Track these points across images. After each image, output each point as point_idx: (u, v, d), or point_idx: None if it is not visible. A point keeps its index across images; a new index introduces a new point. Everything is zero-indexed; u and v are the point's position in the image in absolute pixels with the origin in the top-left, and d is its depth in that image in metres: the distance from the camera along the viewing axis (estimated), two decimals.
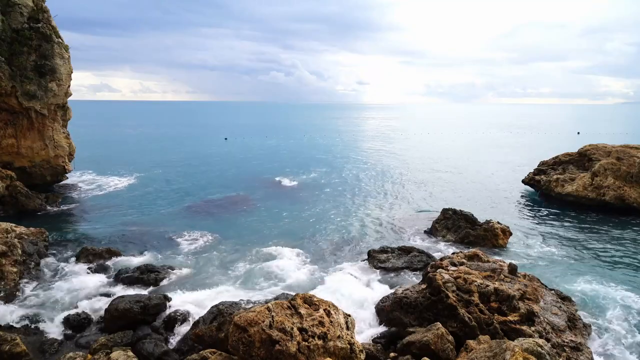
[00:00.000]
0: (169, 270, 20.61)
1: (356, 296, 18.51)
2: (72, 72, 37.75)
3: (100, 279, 20.05)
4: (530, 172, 44.63)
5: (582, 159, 40.51)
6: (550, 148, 66.27)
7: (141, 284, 19.24)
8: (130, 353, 13.12)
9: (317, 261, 23.01)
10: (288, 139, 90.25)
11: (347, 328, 12.65)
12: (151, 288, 19.03)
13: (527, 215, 32.25)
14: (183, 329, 15.68)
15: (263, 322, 11.55)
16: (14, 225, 21.97)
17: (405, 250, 22.63)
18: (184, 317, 16.16)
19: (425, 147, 78.76)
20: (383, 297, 17.44)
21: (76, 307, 17.33)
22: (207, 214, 31.89)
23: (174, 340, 15.25)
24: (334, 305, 13.05)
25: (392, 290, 17.96)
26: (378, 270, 21.18)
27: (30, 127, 35.57)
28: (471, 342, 13.16)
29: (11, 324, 15.96)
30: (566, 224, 30.09)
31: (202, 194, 37.84)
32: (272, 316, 11.78)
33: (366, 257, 22.77)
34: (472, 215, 26.43)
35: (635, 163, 33.24)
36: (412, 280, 20.02)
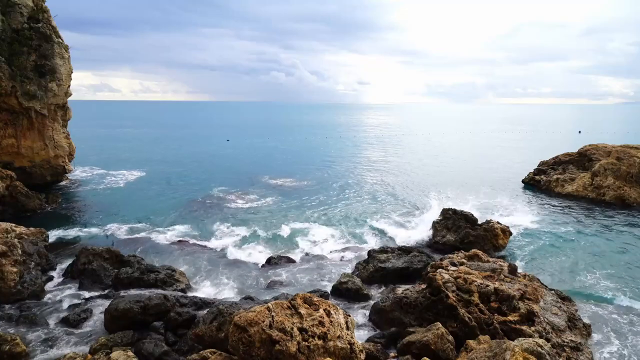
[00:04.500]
0: (169, 270, 20.58)
1: (355, 296, 18.53)
2: (72, 72, 37.74)
3: (100, 279, 20.01)
4: (530, 172, 44.68)
5: (582, 159, 40.55)
6: (551, 148, 66.25)
7: (141, 284, 19.22)
8: (130, 353, 13.11)
9: (317, 261, 23.03)
10: (288, 141, 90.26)
11: (347, 328, 12.63)
12: (151, 288, 19.00)
13: (528, 215, 32.19)
14: (183, 329, 15.66)
15: (263, 322, 11.53)
16: (14, 225, 21.94)
17: (405, 250, 22.62)
18: (184, 317, 16.14)
19: (426, 147, 78.79)
20: (383, 297, 17.44)
21: (76, 307, 17.34)
22: (208, 215, 31.86)
23: (174, 341, 15.22)
24: (334, 305, 13.02)
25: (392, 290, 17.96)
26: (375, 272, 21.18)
27: (30, 127, 35.56)
28: (471, 342, 13.15)
29: (11, 323, 15.95)
30: (566, 224, 30.06)
31: (202, 195, 37.83)
32: (272, 316, 11.76)
33: (366, 257, 22.78)
34: (472, 215, 26.39)
35: (635, 163, 33.24)
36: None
